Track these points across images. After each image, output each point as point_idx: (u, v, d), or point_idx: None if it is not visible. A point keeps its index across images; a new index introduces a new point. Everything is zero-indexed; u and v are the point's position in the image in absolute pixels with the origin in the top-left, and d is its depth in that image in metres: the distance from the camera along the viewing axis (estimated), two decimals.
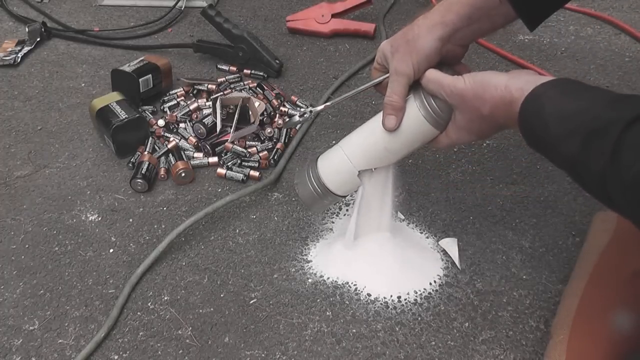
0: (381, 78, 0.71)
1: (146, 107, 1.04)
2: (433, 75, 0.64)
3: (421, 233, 0.82)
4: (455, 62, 0.70)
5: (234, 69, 1.14)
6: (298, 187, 0.75)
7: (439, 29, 0.65)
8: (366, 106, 1.05)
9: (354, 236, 0.76)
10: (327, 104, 0.77)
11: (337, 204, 0.86)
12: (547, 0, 0.67)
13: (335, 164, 0.72)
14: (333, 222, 0.84)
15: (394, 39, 0.68)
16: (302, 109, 0.72)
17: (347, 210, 0.85)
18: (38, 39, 1.24)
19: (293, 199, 0.88)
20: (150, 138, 0.96)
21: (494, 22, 0.67)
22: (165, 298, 0.75)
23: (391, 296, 0.73)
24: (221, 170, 0.91)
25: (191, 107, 1.01)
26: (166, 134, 0.98)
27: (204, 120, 0.96)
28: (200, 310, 0.73)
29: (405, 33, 0.67)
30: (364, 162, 0.70)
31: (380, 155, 0.70)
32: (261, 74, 1.13)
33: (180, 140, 0.96)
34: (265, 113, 0.98)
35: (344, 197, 0.75)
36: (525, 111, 0.55)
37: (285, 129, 0.97)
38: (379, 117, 0.69)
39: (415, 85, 0.67)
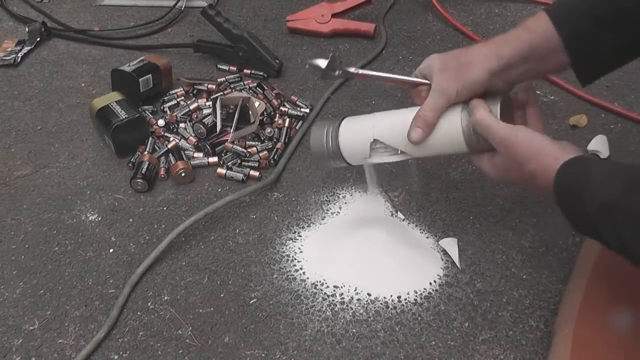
0: (420, 80, 0.70)
1: (146, 107, 1.04)
2: (484, 120, 0.63)
3: (421, 233, 0.82)
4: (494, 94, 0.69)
5: (234, 68, 1.14)
6: (313, 132, 0.76)
7: (493, 60, 0.64)
8: (366, 106, 1.05)
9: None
10: (359, 71, 0.72)
11: (337, 203, 0.86)
12: (604, 61, 0.66)
13: (359, 126, 0.72)
14: (333, 222, 0.84)
15: (445, 56, 0.67)
16: (334, 62, 0.69)
17: (347, 209, 0.85)
18: (38, 39, 1.24)
19: (293, 199, 0.88)
20: (150, 138, 0.96)
21: (547, 66, 0.66)
22: (165, 298, 0.75)
23: (391, 296, 0.73)
24: (221, 170, 0.91)
25: (191, 107, 1.01)
26: (166, 134, 0.98)
27: (204, 120, 0.96)
28: (200, 310, 0.73)
29: (459, 55, 0.66)
30: (385, 134, 0.70)
31: (402, 138, 0.69)
32: (261, 74, 1.13)
33: (180, 140, 0.96)
34: (265, 113, 0.98)
35: (349, 165, 0.75)
36: (566, 167, 0.56)
37: (285, 129, 0.97)
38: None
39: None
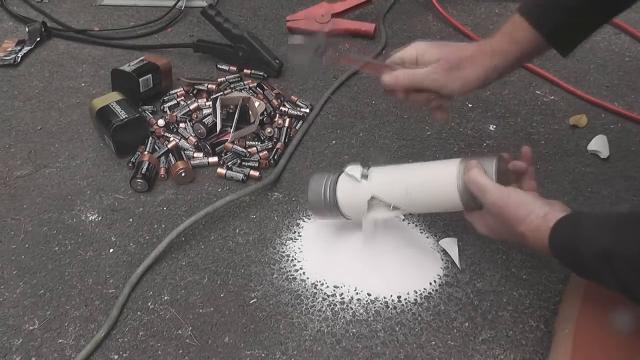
0: (396, 66, 0.72)
1: (146, 106, 1.04)
2: (477, 179, 0.64)
3: (421, 233, 0.82)
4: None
5: (234, 68, 1.14)
6: (311, 185, 0.75)
7: (487, 66, 0.68)
8: (366, 106, 1.05)
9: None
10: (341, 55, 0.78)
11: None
12: (586, 36, 0.70)
13: (356, 183, 0.72)
14: (334, 222, 0.83)
15: (442, 50, 0.70)
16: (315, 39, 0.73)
17: None
18: (38, 39, 1.24)
19: (293, 199, 0.88)
20: (150, 138, 0.96)
21: (534, 58, 0.73)
22: (165, 298, 0.75)
23: (391, 296, 0.73)
24: (221, 170, 0.91)
25: (191, 107, 1.01)
26: (166, 134, 0.98)
27: (204, 120, 0.96)
28: (200, 310, 0.73)
29: (454, 53, 0.69)
30: (381, 191, 0.71)
31: (398, 195, 0.70)
32: (261, 73, 1.13)
33: (180, 140, 0.96)
34: (265, 113, 0.98)
35: (346, 218, 0.76)
36: (559, 225, 0.58)
37: (285, 129, 0.97)
38: (416, 164, 0.72)
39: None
